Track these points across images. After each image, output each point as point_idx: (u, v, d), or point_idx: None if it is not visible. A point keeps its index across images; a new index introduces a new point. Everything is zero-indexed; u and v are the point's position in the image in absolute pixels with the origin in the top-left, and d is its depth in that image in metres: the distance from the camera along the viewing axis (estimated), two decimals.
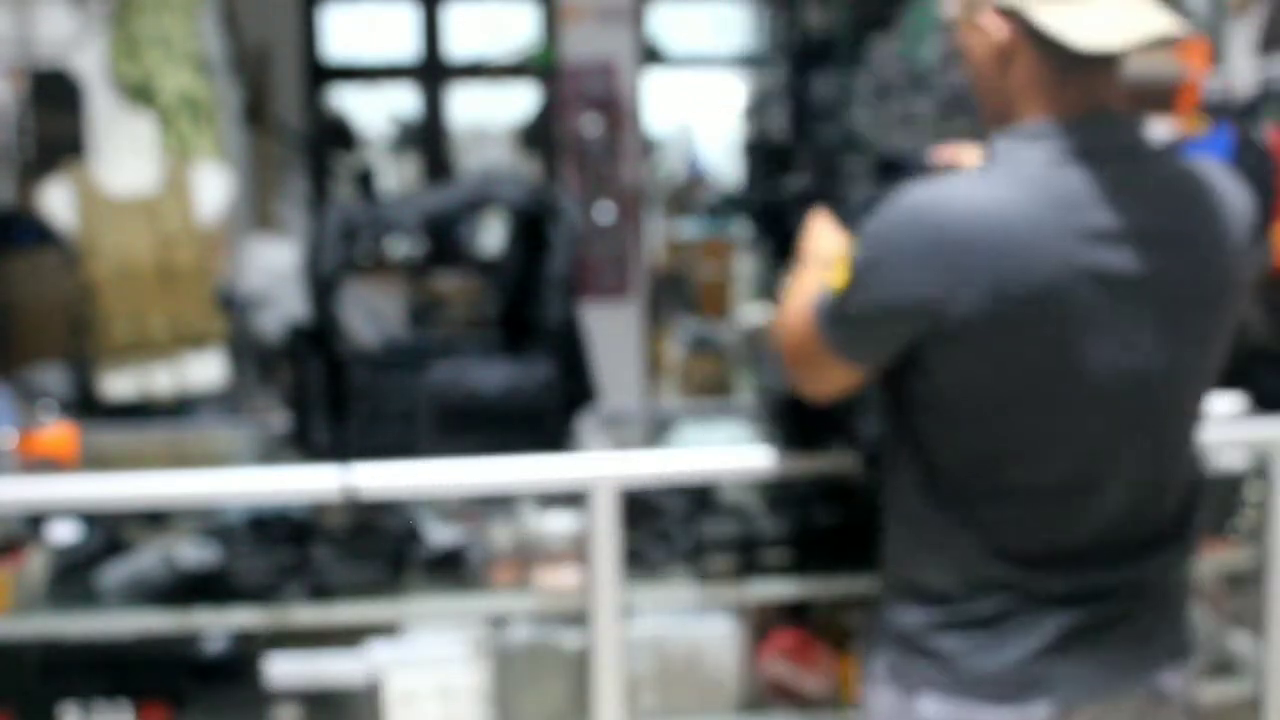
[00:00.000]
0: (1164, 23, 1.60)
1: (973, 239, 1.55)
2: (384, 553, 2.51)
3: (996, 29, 1.63)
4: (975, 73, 1.71)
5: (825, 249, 1.91)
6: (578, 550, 2.42)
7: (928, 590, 1.73)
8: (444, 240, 7.57)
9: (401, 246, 7.64)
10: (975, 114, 1.77)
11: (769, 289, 3.41)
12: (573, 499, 2.44)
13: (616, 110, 6.74)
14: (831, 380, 1.77)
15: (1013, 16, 1.62)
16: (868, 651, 1.84)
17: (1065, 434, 1.64)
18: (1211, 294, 1.66)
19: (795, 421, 2.30)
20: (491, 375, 2.40)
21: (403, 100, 8.59)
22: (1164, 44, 1.63)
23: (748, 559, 2.48)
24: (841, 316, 1.68)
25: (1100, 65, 1.63)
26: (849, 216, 1.97)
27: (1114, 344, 1.60)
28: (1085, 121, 1.63)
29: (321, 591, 2.43)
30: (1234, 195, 1.71)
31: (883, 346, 1.67)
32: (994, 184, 1.59)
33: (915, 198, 1.60)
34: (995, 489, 1.67)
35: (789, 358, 1.82)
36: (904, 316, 1.61)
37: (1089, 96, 1.64)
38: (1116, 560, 1.69)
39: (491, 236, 7.65)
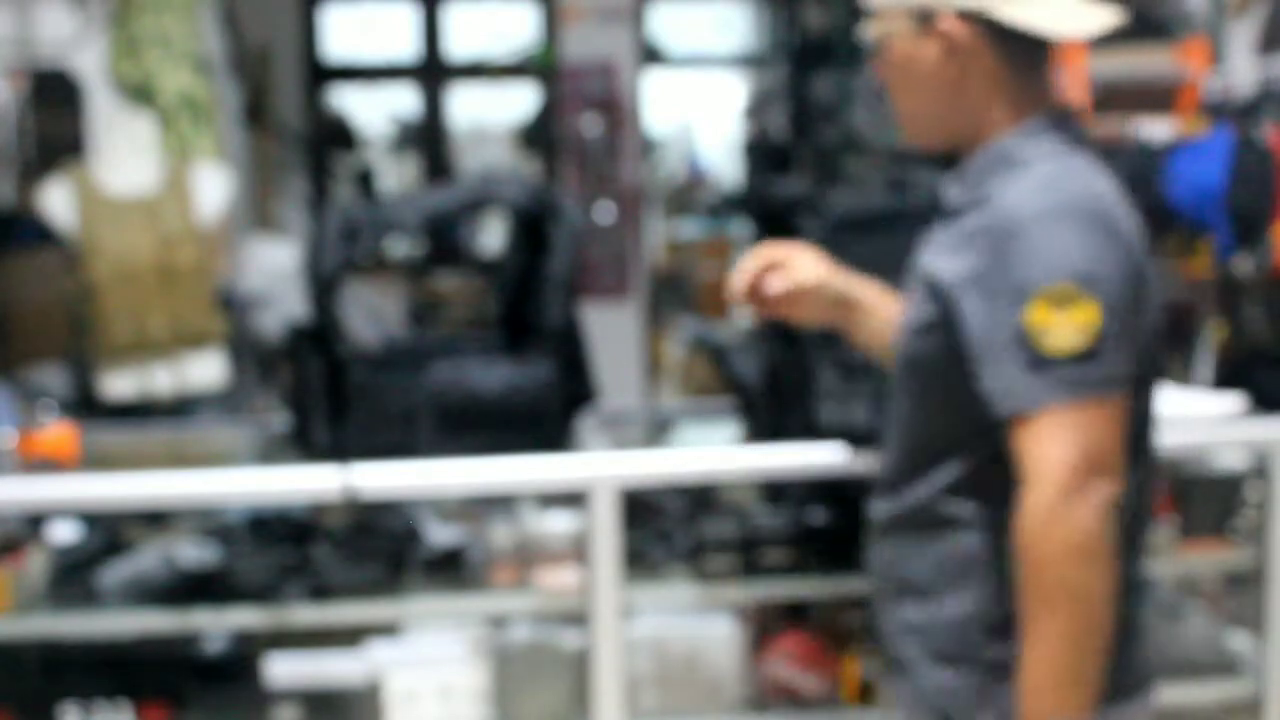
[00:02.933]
0: (1108, 14, 1.66)
1: (1117, 216, 1.56)
2: (384, 553, 2.51)
3: (960, 33, 1.62)
4: (919, 83, 1.66)
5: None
6: (578, 550, 2.42)
7: None
8: (444, 240, 7.57)
9: (402, 246, 7.64)
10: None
11: None
12: (573, 499, 2.44)
13: (616, 110, 6.74)
14: (1117, 441, 1.53)
15: (974, 19, 1.62)
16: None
17: (1149, 405, 1.64)
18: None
19: (764, 412, 2.33)
20: (491, 375, 2.40)
21: (403, 100, 8.59)
22: (1112, 33, 1.69)
23: (748, 559, 2.48)
24: (1100, 350, 1.49)
25: (1047, 65, 1.67)
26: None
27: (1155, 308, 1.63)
28: (1063, 116, 1.66)
29: (321, 591, 2.43)
30: None
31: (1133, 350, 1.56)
32: (1075, 167, 1.59)
33: (1060, 199, 1.53)
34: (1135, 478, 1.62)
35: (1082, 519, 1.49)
36: (1136, 299, 1.55)
37: (1049, 95, 1.67)
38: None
39: (492, 237, 7.65)
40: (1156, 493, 1.69)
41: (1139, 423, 1.61)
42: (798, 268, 1.92)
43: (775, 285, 1.92)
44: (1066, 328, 1.48)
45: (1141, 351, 1.58)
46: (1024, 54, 1.64)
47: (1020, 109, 1.65)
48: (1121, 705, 1.65)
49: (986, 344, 1.54)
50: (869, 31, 1.69)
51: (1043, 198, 1.55)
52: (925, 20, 1.63)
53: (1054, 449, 1.49)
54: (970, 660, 1.65)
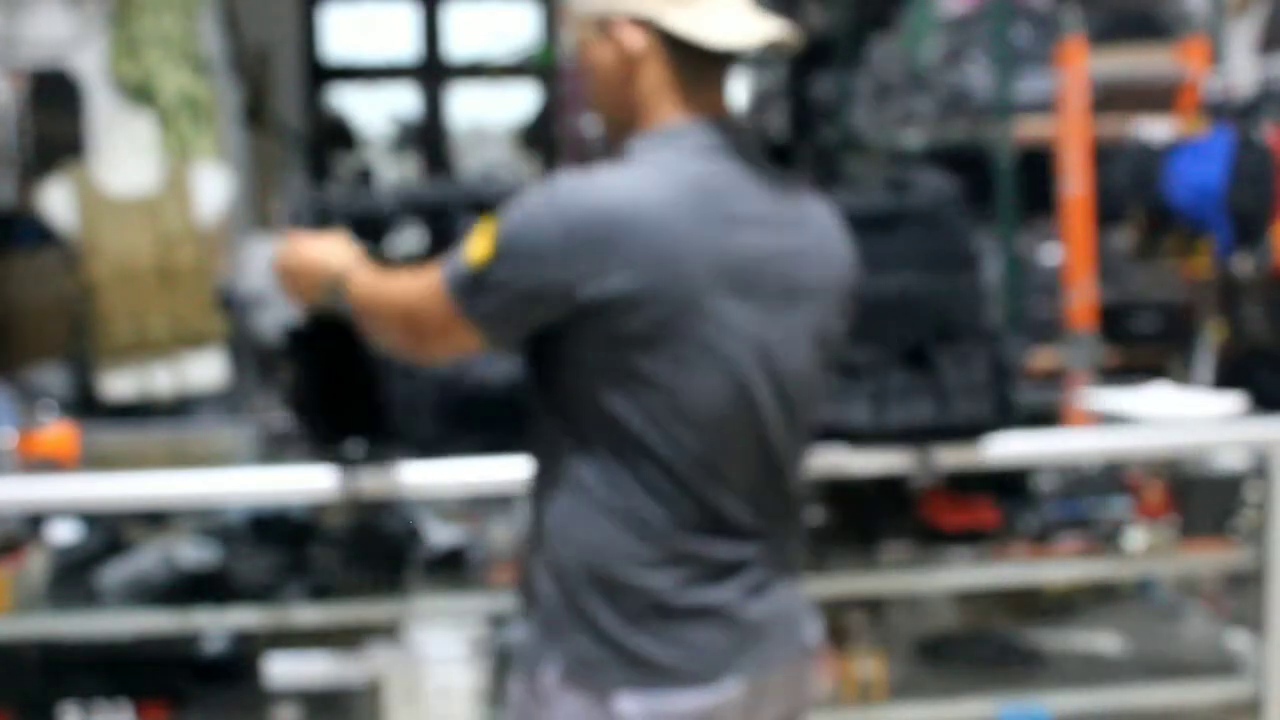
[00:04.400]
0: (774, 26, 1.74)
1: (613, 224, 1.63)
2: (384, 553, 2.51)
3: (631, 38, 1.73)
4: (603, 86, 1.79)
5: (336, 255, 1.97)
6: None
7: None
8: (444, 238, 7.56)
9: (404, 244, 7.62)
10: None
11: None
12: None
13: None
14: (453, 346, 1.80)
15: (645, 25, 1.73)
16: None
17: (704, 407, 1.70)
18: (823, 291, 1.79)
19: (324, 417, 2.33)
20: (498, 367, 2.38)
21: (403, 100, 8.59)
22: (776, 45, 1.77)
23: None
24: (479, 286, 1.70)
25: (718, 72, 1.77)
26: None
27: (749, 318, 1.70)
28: (715, 122, 1.75)
29: (321, 591, 2.43)
30: (835, 221, 1.85)
31: (521, 322, 1.71)
32: (636, 175, 1.69)
33: (561, 185, 1.68)
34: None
35: (401, 324, 1.84)
36: (540, 299, 1.67)
37: (713, 102, 1.76)
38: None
39: None
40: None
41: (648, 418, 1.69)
42: None
43: None
44: (474, 248, 1.70)
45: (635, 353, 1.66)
46: (691, 63, 1.74)
47: (682, 112, 1.75)
48: (662, 690, 1.68)
49: None
50: (570, 38, 1.83)
51: (567, 181, 1.68)
52: (604, 26, 1.76)
53: (418, 283, 1.80)
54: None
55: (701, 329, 1.67)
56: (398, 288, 1.85)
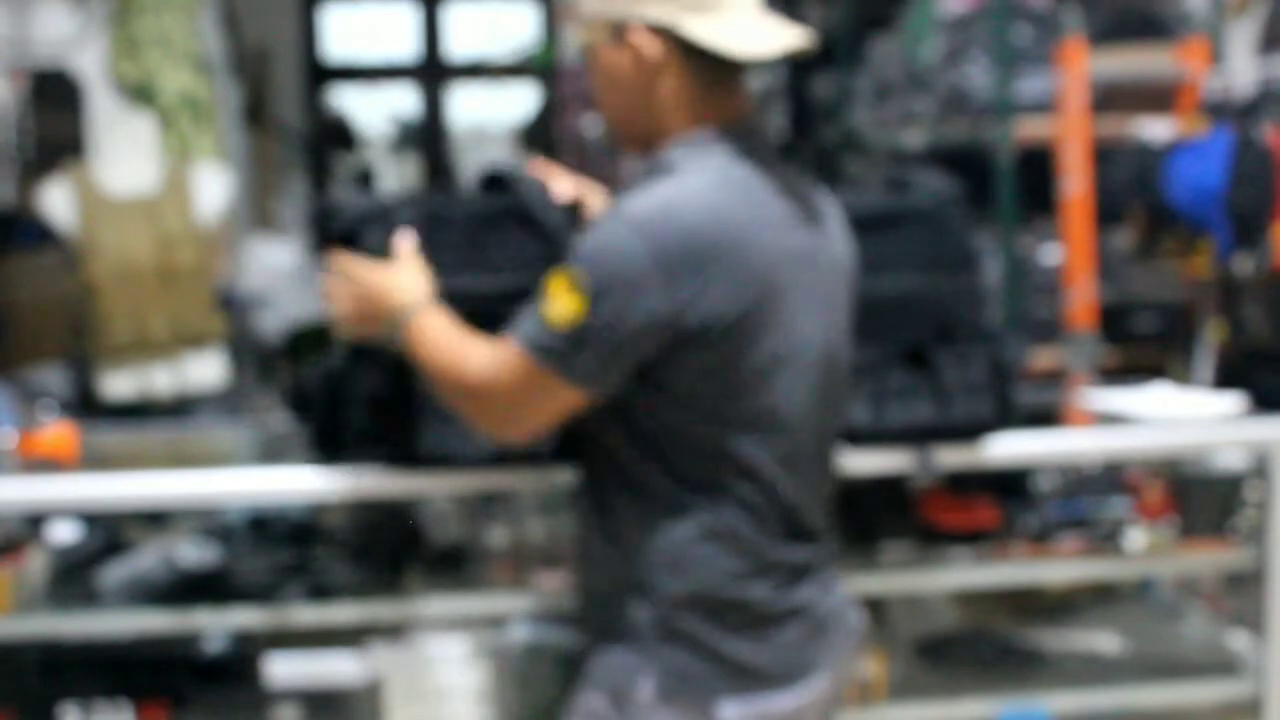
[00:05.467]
0: (793, 34, 1.72)
1: (703, 240, 1.60)
2: (384, 553, 2.51)
3: (649, 46, 1.69)
4: (613, 90, 1.75)
5: (409, 288, 1.85)
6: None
7: None
8: None
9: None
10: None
11: None
12: (573, 499, 2.44)
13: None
14: (549, 415, 1.70)
15: (663, 33, 1.69)
16: None
17: (790, 414, 1.72)
18: (845, 287, 1.83)
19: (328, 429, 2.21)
20: None
21: (403, 100, 8.59)
22: (796, 52, 1.74)
23: None
24: (577, 344, 1.62)
25: (737, 78, 1.75)
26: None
27: (812, 320, 1.72)
28: (739, 129, 1.73)
29: (321, 591, 2.43)
30: (839, 216, 1.86)
31: (627, 366, 1.64)
32: (702, 186, 1.64)
33: (633, 211, 1.61)
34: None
35: (473, 404, 1.73)
36: (645, 334, 1.61)
37: (734, 107, 1.74)
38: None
39: None
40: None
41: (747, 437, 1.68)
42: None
43: None
44: (560, 307, 1.62)
45: (747, 383, 1.65)
46: (709, 69, 1.71)
47: (697, 121, 1.72)
48: (761, 694, 1.71)
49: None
50: (577, 39, 1.77)
51: (636, 203, 1.63)
52: (619, 32, 1.71)
53: (493, 359, 1.70)
54: None
55: (786, 336, 1.67)
56: (469, 361, 1.73)
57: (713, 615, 1.69)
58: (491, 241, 2.03)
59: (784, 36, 1.71)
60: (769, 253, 1.65)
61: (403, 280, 1.85)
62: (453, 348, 1.76)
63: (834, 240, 1.81)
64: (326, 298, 1.93)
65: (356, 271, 1.89)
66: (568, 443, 1.89)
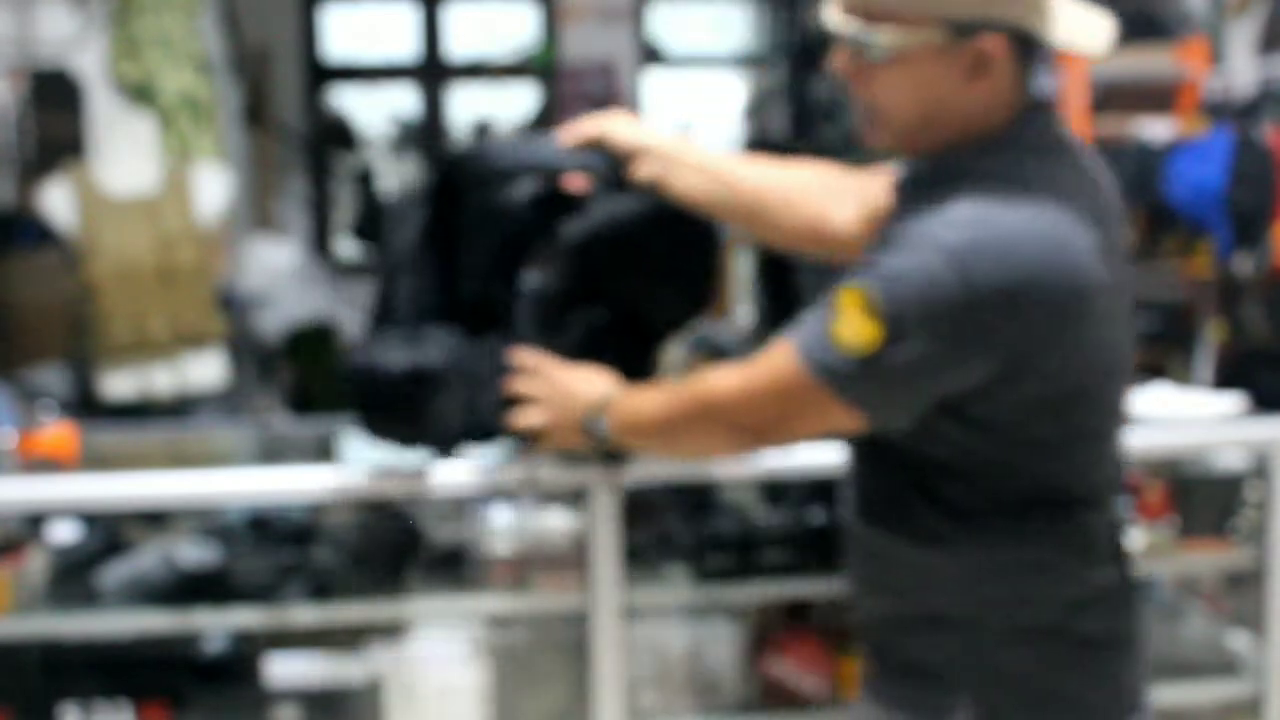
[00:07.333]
0: (1107, 23, 1.63)
1: (1031, 280, 1.45)
2: (384, 553, 2.51)
3: (996, 48, 1.54)
4: (929, 96, 1.58)
5: (592, 384, 1.82)
6: (578, 550, 2.42)
7: None
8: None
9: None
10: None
11: (766, 288, 3.42)
12: (573, 499, 2.44)
13: (616, 110, 6.74)
14: (819, 430, 1.60)
15: (1007, 33, 1.55)
16: None
17: (1113, 434, 1.63)
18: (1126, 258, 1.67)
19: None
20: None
21: (403, 100, 8.59)
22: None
23: (748, 559, 2.48)
24: (867, 372, 1.49)
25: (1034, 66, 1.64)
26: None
27: (1123, 315, 1.60)
28: (1041, 114, 1.61)
29: (321, 591, 2.43)
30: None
31: (920, 405, 1.52)
32: (1024, 206, 1.49)
33: (950, 237, 1.46)
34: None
35: (737, 418, 1.65)
36: (950, 377, 1.48)
37: (1031, 102, 1.62)
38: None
39: None
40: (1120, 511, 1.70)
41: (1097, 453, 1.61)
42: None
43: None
44: (853, 328, 1.49)
45: (1064, 402, 1.53)
46: (1028, 66, 1.61)
47: (1010, 119, 1.60)
48: None
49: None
50: (881, 39, 1.56)
51: (952, 227, 1.48)
52: (961, 33, 1.54)
53: (752, 371, 1.60)
54: None
55: (1109, 357, 1.55)
56: (716, 388, 1.65)
57: (1041, 649, 1.58)
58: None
59: (1105, 28, 1.62)
60: (1099, 274, 1.50)
61: (588, 377, 1.83)
62: (676, 395, 1.70)
63: (1120, 222, 1.64)
64: (521, 409, 1.89)
65: (543, 372, 1.87)
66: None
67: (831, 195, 1.95)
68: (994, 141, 1.58)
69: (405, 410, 2.08)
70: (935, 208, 1.51)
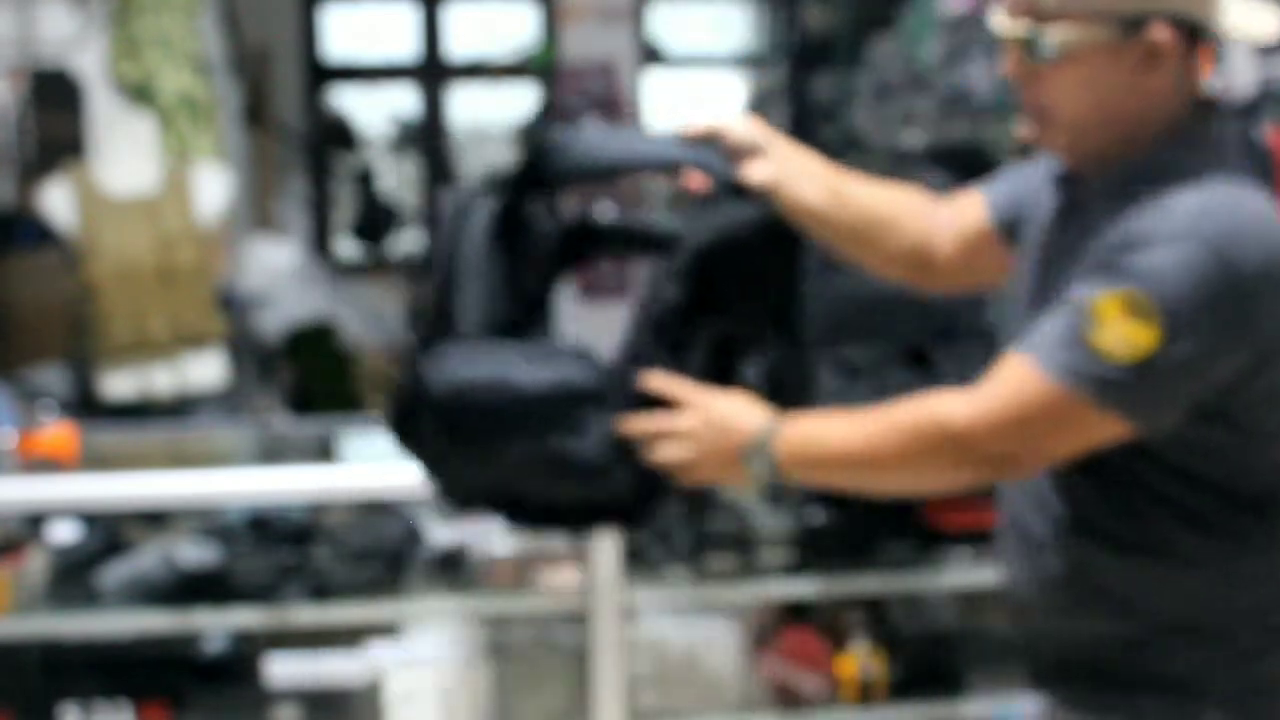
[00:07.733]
0: (1274, 10, 1.59)
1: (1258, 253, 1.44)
2: (384, 553, 2.51)
3: (1168, 41, 1.51)
4: (1104, 95, 1.54)
5: (749, 422, 1.64)
6: (578, 550, 2.42)
7: None
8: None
9: (404, 244, 7.60)
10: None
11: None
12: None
13: (616, 110, 6.74)
14: (1078, 447, 1.52)
15: (1178, 24, 1.52)
16: None
17: None
18: None
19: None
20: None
21: (403, 100, 8.59)
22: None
23: (748, 559, 2.48)
24: (1143, 379, 1.44)
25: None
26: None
27: None
28: (1208, 107, 1.58)
29: (321, 591, 2.43)
30: None
31: (1184, 405, 1.48)
32: (1246, 193, 1.49)
33: (1210, 228, 1.44)
34: None
35: (970, 450, 1.55)
36: (1218, 374, 1.46)
37: (1202, 88, 1.59)
38: None
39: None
40: None
41: None
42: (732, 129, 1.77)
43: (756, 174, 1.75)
44: (1120, 335, 1.45)
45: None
46: (1195, 57, 1.56)
47: (1183, 113, 1.56)
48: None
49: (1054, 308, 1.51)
50: (1051, 38, 1.54)
51: (1200, 217, 1.46)
52: (1132, 27, 1.50)
53: (1012, 395, 1.51)
54: None
55: None
56: (938, 412, 1.56)
57: None
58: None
59: (1270, 16, 1.58)
60: None
61: (740, 406, 1.66)
62: (883, 425, 1.59)
63: None
64: (664, 442, 1.64)
65: (695, 410, 1.66)
66: None
67: (933, 220, 1.86)
68: (1184, 141, 1.55)
69: (552, 437, 1.68)
70: (1156, 205, 1.48)
